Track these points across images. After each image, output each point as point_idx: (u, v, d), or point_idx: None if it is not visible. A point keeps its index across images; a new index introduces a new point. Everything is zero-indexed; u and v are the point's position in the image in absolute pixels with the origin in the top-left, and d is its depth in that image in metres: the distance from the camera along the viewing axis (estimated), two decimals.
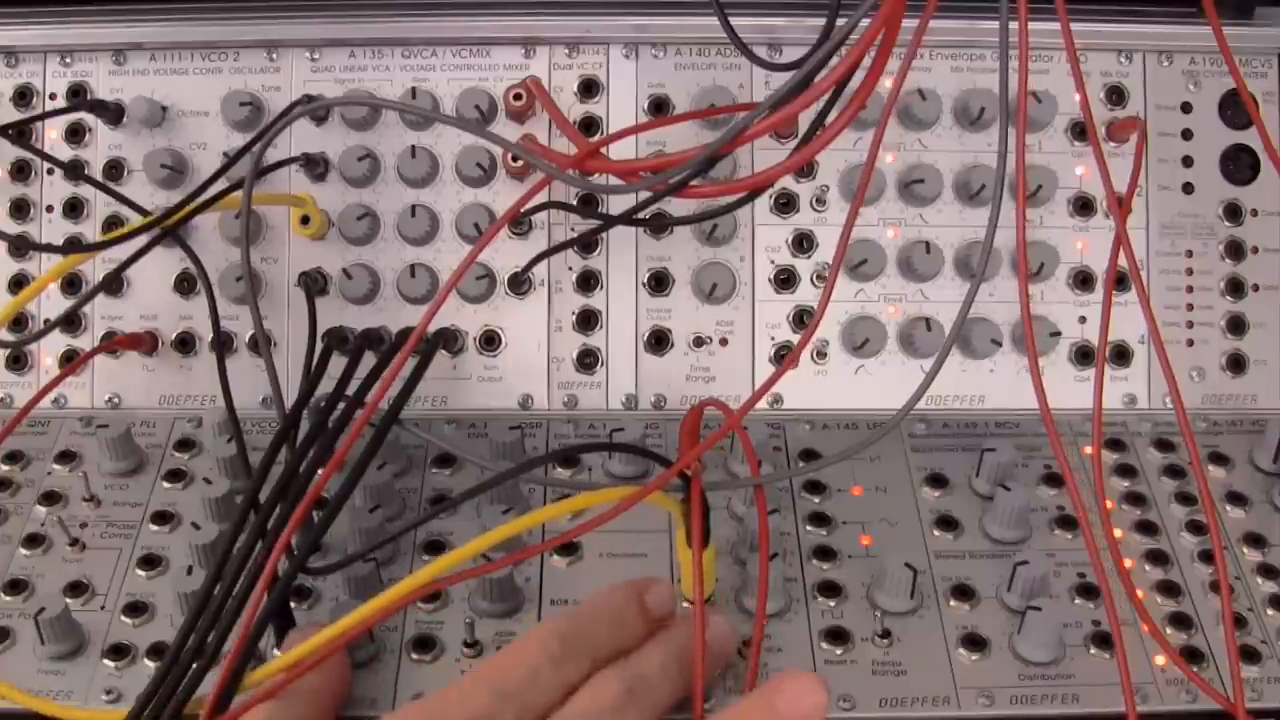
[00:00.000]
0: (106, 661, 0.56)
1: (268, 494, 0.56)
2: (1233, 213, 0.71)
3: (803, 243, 0.70)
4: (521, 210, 0.65)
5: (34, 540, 0.62)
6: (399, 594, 0.50)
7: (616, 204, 0.69)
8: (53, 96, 0.71)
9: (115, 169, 0.70)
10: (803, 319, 0.70)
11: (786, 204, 0.70)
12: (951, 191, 0.70)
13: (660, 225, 0.69)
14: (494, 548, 0.52)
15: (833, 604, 0.59)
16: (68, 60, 0.71)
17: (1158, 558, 0.61)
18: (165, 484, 0.65)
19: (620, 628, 0.52)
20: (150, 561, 0.60)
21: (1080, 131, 0.70)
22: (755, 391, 0.59)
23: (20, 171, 0.71)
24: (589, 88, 0.71)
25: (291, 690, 0.50)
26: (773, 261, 0.70)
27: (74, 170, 0.69)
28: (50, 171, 0.70)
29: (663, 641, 0.52)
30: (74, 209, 0.70)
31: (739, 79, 0.70)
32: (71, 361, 0.69)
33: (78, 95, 0.71)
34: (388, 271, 0.70)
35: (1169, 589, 0.60)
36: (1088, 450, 0.67)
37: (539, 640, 0.49)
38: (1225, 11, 0.70)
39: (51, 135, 0.71)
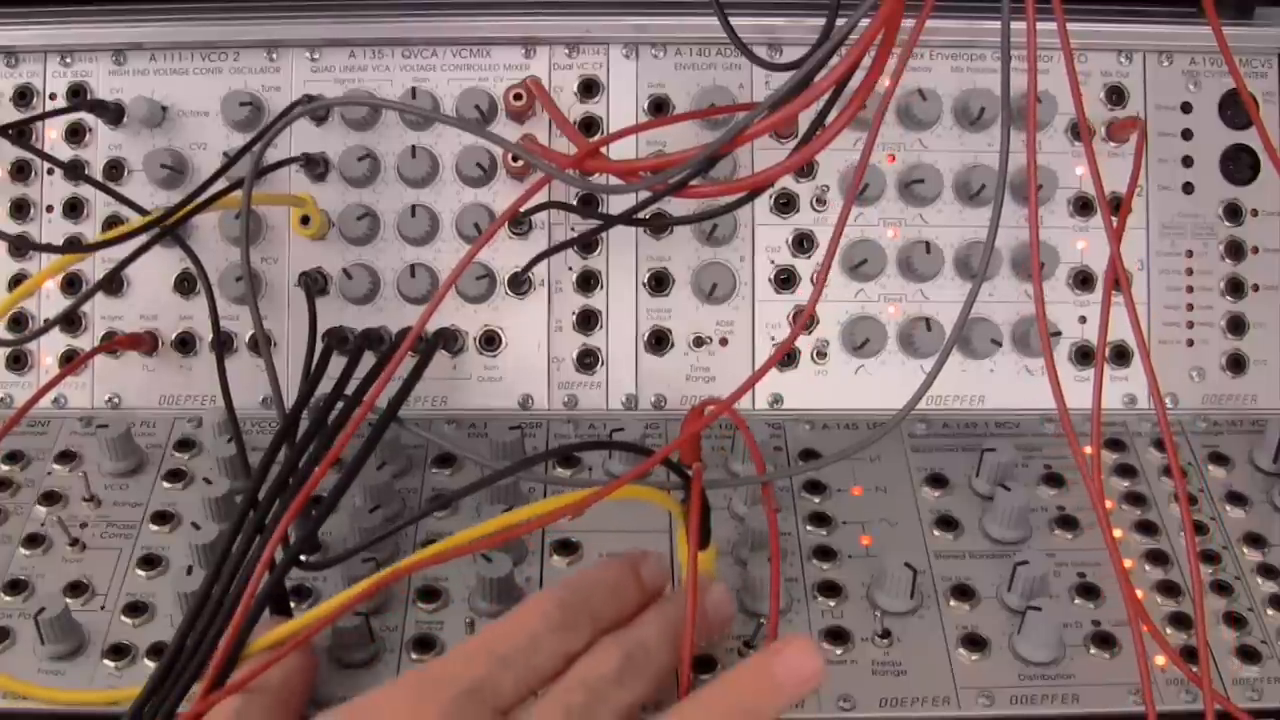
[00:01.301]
0: (106, 661, 0.56)
1: (267, 494, 0.56)
2: (1233, 213, 0.71)
3: (803, 243, 0.70)
4: (521, 210, 0.65)
5: (34, 540, 0.62)
6: (373, 581, 0.50)
7: (616, 204, 0.69)
8: (53, 96, 0.71)
9: (115, 169, 0.70)
10: None
11: (786, 204, 0.70)
12: (951, 191, 0.70)
13: (660, 225, 0.69)
14: (487, 539, 0.52)
15: (833, 604, 0.59)
16: (68, 60, 0.71)
17: (1158, 558, 0.61)
18: (165, 484, 0.65)
19: (618, 597, 0.52)
20: (150, 561, 0.60)
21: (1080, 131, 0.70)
22: (747, 380, 0.59)
23: (20, 171, 0.71)
24: (589, 88, 0.71)
25: (259, 684, 0.50)
26: (773, 261, 0.70)
27: (74, 170, 0.69)
28: (50, 171, 0.70)
29: (661, 611, 0.52)
30: (74, 209, 0.70)
31: (739, 79, 0.70)
32: (71, 361, 0.69)
33: (78, 95, 0.70)
34: (388, 271, 0.70)
35: (1169, 589, 0.60)
36: (1088, 450, 0.67)
37: (539, 607, 0.49)
38: (1225, 11, 0.70)
39: (51, 135, 0.71)
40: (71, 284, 0.70)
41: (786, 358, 0.70)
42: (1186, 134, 0.72)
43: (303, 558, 0.56)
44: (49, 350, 0.70)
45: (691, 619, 0.50)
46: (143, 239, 0.65)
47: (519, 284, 0.70)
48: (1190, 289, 0.71)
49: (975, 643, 0.57)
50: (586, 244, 0.70)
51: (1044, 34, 0.55)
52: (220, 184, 0.66)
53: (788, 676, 0.47)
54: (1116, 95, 0.71)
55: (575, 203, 0.69)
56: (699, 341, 0.70)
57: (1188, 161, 0.72)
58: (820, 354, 0.70)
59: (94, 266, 0.70)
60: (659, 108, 0.70)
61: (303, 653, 0.53)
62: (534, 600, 0.50)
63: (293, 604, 0.57)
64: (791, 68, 0.64)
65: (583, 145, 0.61)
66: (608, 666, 0.48)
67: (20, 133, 0.69)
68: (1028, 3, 0.51)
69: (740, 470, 0.65)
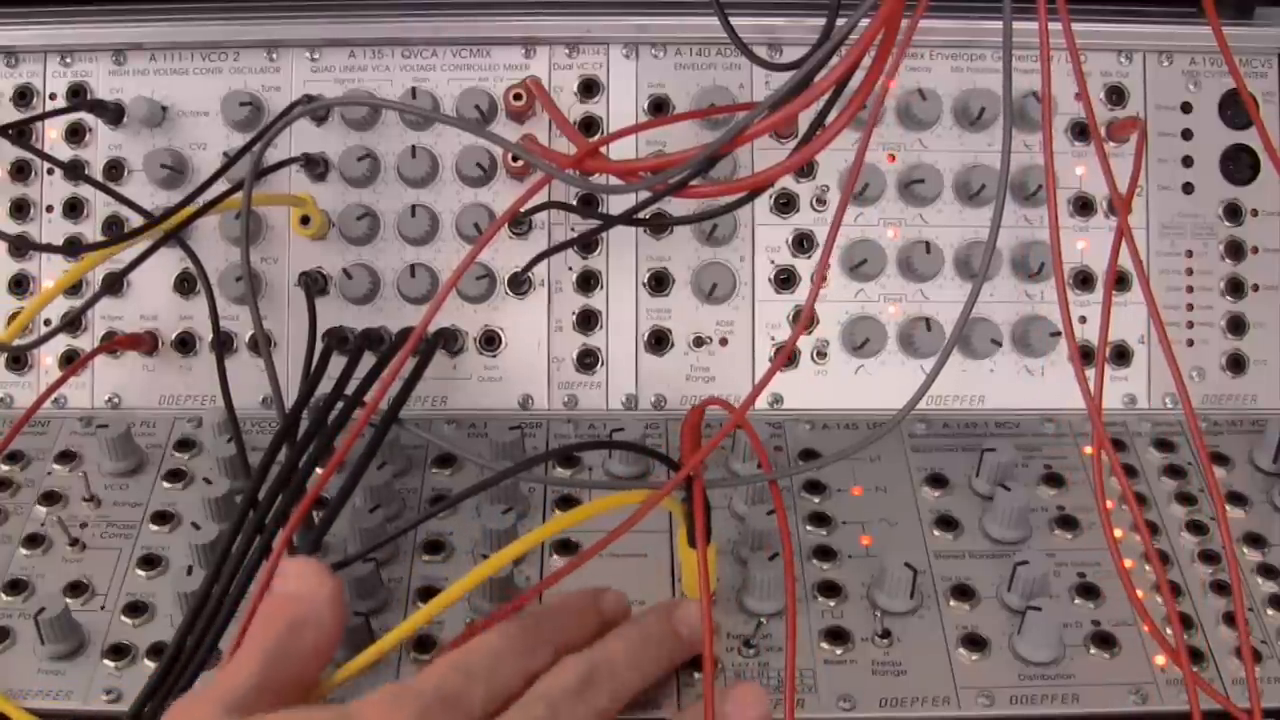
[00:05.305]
0: (106, 661, 0.56)
1: (267, 494, 0.56)
2: (1233, 213, 0.71)
3: (803, 243, 0.70)
4: (521, 210, 0.65)
5: (34, 540, 0.62)
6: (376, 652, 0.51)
7: (616, 204, 0.69)
8: (53, 96, 0.71)
9: (115, 169, 0.70)
10: None
11: (786, 204, 0.70)
12: (951, 191, 0.70)
13: (660, 225, 0.69)
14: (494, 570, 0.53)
15: (833, 604, 0.59)
16: (68, 60, 0.71)
17: (1158, 557, 0.61)
18: (165, 484, 0.65)
19: (578, 621, 0.53)
20: (150, 561, 0.60)
21: (1080, 131, 0.70)
22: (755, 386, 0.59)
23: (20, 171, 0.70)
24: (589, 88, 0.71)
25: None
26: (773, 261, 0.70)
27: (74, 170, 0.69)
28: (50, 171, 0.70)
29: (625, 630, 0.53)
30: (74, 209, 0.70)
31: (739, 79, 0.70)
32: (72, 362, 0.69)
33: (78, 95, 0.70)
34: (388, 271, 0.70)
35: (1169, 589, 0.60)
36: (1088, 450, 0.67)
37: (499, 628, 0.51)
38: (1225, 11, 0.70)
39: (51, 135, 0.71)
40: (73, 285, 0.70)
41: (787, 358, 0.70)
42: (1186, 134, 0.72)
43: None
44: (49, 350, 0.70)
45: (707, 620, 0.51)
46: (144, 243, 0.66)
47: (519, 284, 0.70)
48: (1190, 289, 0.71)
49: (975, 643, 0.57)
50: (586, 244, 0.70)
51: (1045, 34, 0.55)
52: (220, 184, 0.66)
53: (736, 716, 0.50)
54: (1116, 95, 0.71)
55: (575, 203, 0.69)
56: (699, 341, 0.70)
57: (1188, 161, 0.71)
58: (820, 354, 0.70)
59: (94, 268, 0.70)
60: (659, 108, 0.70)
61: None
62: (495, 626, 0.51)
63: None
64: (791, 68, 0.64)
65: (583, 145, 0.61)
66: (568, 681, 0.49)
67: (20, 133, 0.69)
68: (1039, 3, 0.51)
69: (741, 470, 0.65)
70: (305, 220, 0.68)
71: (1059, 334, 0.69)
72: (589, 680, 0.49)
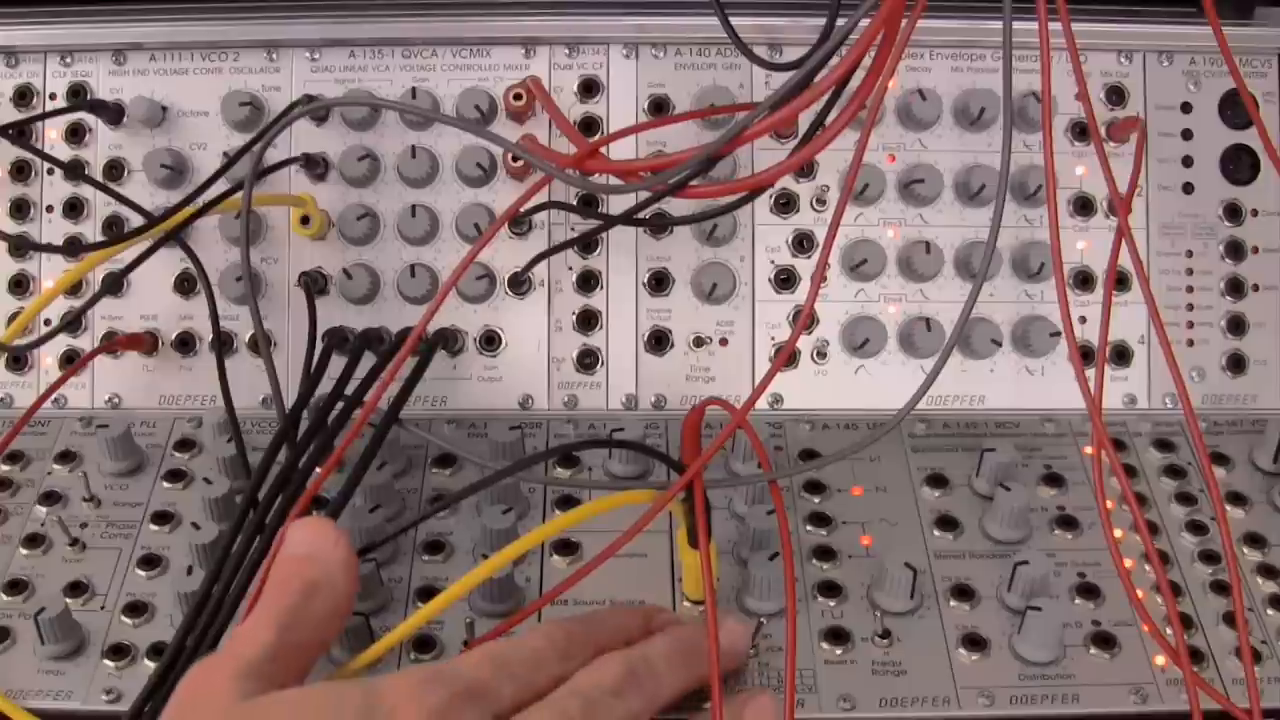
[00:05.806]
0: (106, 661, 0.56)
1: (267, 494, 0.56)
2: (1233, 213, 0.71)
3: (803, 243, 0.70)
4: (521, 210, 0.65)
5: (34, 540, 0.62)
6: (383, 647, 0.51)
7: (616, 204, 0.69)
8: (53, 96, 0.71)
9: (115, 169, 0.70)
10: None
11: (786, 204, 0.70)
12: (951, 191, 0.70)
13: (660, 225, 0.69)
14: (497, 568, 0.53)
15: (833, 604, 0.59)
16: (68, 60, 0.71)
17: (1158, 558, 0.61)
18: (165, 484, 0.65)
19: (625, 634, 0.53)
20: (150, 561, 0.60)
21: (1080, 131, 0.70)
22: (756, 388, 0.59)
23: (20, 171, 0.70)
24: (589, 88, 0.71)
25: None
26: (773, 261, 0.70)
27: (74, 170, 0.69)
28: (50, 171, 0.70)
29: (670, 634, 0.53)
30: (74, 209, 0.70)
31: (739, 79, 0.70)
32: (72, 363, 0.69)
33: (78, 95, 0.70)
34: (388, 271, 0.70)
35: (1170, 588, 0.60)
36: (1088, 450, 0.67)
37: (544, 630, 0.50)
38: (1225, 11, 0.70)
39: (51, 135, 0.71)
40: (73, 285, 0.70)
41: (787, 358, 0.70)
42: (1186, 134, 0.72)
43: None
44: (49, 350, 0.70)
45: (713, 620, 0.50)
46: (145, 243, 0.66)
47: (519, 284, 0.70)
48: (1190, 289, 0.71)
49: (975, 643, 0.57)
50: (586, 244, 0.70)
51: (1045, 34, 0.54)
52: (220, 184, 0.66)
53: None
54: (1116, 95, 0.71)
55: (575, 203, 0.69)
56: (699, 341, 0.70)
57: (1188, 161, 0.72)
58: (820, 354, 0.70)
59: (94, 268, 0.70)
60: (659, 108, 0.70)
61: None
62: (541, 625, 0.51)
63: None
64: (791, 68, 0.64)
65: (583, 145, 0.61)
66: (607, 678, 0.48)
67: (20, 133, 0.69)
68: (1039, 3, 0.51)
69: (741, 470, 0.65)
70: (305, 220, 0.68)
71: (1059, 334, 0.69)
72: (629, 678, 0.48)
